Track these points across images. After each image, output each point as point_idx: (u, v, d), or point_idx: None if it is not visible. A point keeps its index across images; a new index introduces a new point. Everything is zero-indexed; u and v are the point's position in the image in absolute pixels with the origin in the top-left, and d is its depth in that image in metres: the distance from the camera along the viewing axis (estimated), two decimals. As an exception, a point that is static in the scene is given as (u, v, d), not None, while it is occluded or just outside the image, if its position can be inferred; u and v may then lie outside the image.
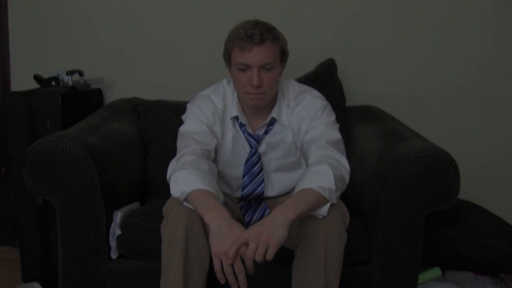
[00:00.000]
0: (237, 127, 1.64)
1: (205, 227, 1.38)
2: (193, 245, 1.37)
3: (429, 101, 2.32)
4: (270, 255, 1.26)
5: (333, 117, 1.63)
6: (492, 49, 2.27)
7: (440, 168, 1.44)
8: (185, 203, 1.39)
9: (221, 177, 1.68)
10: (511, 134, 2.31)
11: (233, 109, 1.62)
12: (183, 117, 1.65)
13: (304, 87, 1.69)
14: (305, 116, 1.60)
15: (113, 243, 1.58)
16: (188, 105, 1.66)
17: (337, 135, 1.57)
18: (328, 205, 1.38)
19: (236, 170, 1.66)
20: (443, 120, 2.32)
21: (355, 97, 2.26)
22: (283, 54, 1.54)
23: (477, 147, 2.32)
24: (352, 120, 2.03)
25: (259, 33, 1.46)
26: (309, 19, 2.28)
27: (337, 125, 1.62)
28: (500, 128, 2.32)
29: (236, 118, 1.63)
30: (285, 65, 1.58)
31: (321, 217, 1.38)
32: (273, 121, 1.63)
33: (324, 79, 2.07)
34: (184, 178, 1.39)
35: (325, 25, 2.29)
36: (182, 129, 1.60)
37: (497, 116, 2.31)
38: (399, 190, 1.46)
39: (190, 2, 2.33)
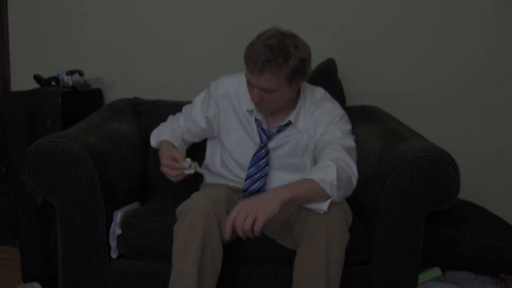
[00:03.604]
0: (252, 119, 1.67)
1: (220, 231, 1.41)
2: (209, 249, 1.39)
3: (429, 101, 2.32)
4: (257, 226, 1.28)
5: (349, 126, 1.65)
6: (492, 49, 2.27)
7: (440, 168, 1.44)
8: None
9: (229, 158, 1.72)
10: (511, 134, 2.32)
11: (249, 103, 1.65)
12: (198, 97, 1.80)
13: (329, 96, 1.72)
14: (323, 120, 1.62)
15: (113, 243, 1.58)
16: (212, 83, 1.75)
17: (352, 143, 1.59)
18: (329, 201, 1.38)
19: (241, 153, 1.69)
20: (443, 120, 2.32)
21: (355, 97, 2.26)
22: (293, 78, 1.50)
23: (477, 147, 2.32)
24: (352, 120, 2.01)
25: (262, 62, 1.44)
26: (309, 19, 2.28)
27: (353, 136, 1.64)
28: (500, 128, 2.32)
29: (252, 111, 1.66)
30: (300, 81, 1.55)
31: (321, 212, 1.39)
32: (288, 123, 1.65)
33: (324, 79, 2.06)
34: (157, 130, 1.85)
35: (325, 25, 2.29)
36: (185, 107, 1.86)
37: (497, 116, 2.31)
38: (399, 190, 1.46)
39: (191, 2, 2.33)
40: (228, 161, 1.73)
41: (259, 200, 1.32)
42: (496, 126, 2.31)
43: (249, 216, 1.28)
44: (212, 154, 1.79)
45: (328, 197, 1.39)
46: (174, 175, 1.60)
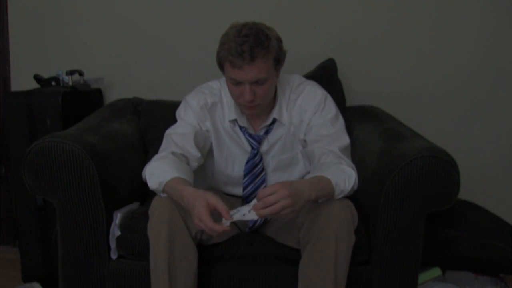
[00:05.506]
0: (237, 128, 1.63)
1: (188, 227, 1.40)
2: (178, 245, 1.38)
3: (429, 101, 2.32)
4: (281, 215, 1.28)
5: (335, 108, 1.62)
6: (492, 49, 2.27)
7: (440, 168, 1.43)
8: (162, 195, 1.43)
9: (218, 173, 1.68)
10: (511, 134, 2.32)
11: (231, 112, 1.61)
12: (177, 113, 1.66)
13: (304, 79, 1.68)
14: (307, 108, 1.59)
15: (112, 244, 1.58)
16: (182, 101, 1.67)
17: (346, 139, 1.58)
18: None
19: (233, 167, 1.66)
20: (443, 120, 2.32)
21: (355, 97, 2.26)
22: (278, 62, 1.47)
23: (477, 147, 2.32)
24: (352, 120, 2.03)
25: (249, 49, 1.39)
26: (309, 19, 2.28)
27: (342, 121, 1.62)
28: (500, 128, 2.32)
29: (235, 120, 1.62)
30: (282, 66, 1.52)
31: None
32: (273, 121, 1.62)
33: (324, 79, 2.06)
34: (159, 169, 1.43)
35: (325, 25, 2.29)
36: (167, 131, 1.61)
37: (497, 116, 2.31)
38: (399, 190, 1.46)
39: (191, 2, 2.33)
40: (218, 186, 1.70)
41: (295, 197, 1.27)
42: (496, 126, 2.32)
43: (285, 209, 1.25)
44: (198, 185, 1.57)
45: (331, 197, 1.40)
46: (217, 232, 1.29)
